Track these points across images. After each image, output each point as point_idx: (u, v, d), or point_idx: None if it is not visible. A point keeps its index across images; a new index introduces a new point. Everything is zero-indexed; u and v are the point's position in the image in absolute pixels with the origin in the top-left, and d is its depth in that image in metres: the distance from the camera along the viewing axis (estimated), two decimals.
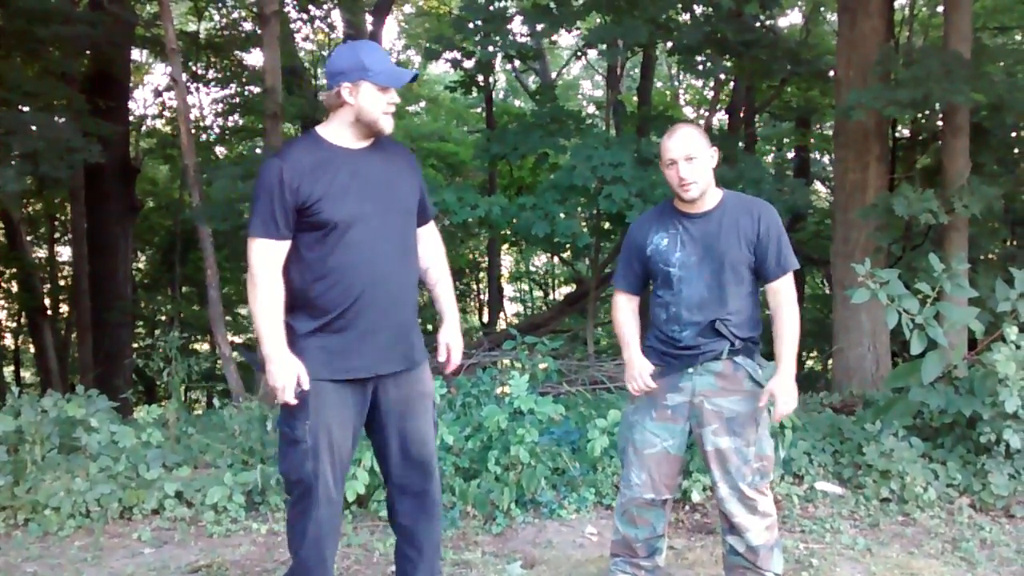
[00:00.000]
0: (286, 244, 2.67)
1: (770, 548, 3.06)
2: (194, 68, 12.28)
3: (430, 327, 10.92)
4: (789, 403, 2.90)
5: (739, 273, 2.97)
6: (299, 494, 2.73)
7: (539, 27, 9.40)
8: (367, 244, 2.68)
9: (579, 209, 9.28)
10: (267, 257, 2.65)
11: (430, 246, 2.97)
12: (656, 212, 3.17)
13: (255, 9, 10.20)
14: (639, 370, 3.04)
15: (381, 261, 2.70)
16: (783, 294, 2.99)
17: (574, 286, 17.45)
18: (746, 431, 2.97)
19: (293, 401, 2.63)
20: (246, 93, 12.32)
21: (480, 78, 11.40)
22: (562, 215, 8.23)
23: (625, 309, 3.18)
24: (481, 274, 17.60)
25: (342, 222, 2.65)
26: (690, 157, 2.93)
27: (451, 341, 2.93)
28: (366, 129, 2.73)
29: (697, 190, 2.96)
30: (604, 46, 9.54)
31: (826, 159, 16.20)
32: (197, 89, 12.71)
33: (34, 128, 8.04)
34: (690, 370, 3.00)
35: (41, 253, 16.21)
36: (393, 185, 2.77)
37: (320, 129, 2.77)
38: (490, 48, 9.18)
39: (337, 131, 2.74)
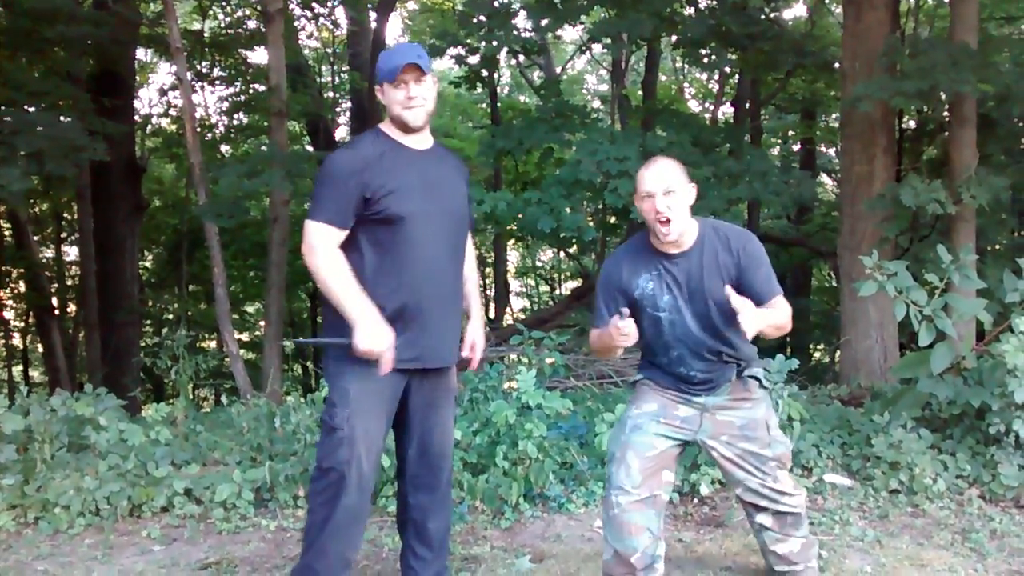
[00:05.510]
0: (343, 234, 2.70)
1: (797, 515, 3.12)
2: (199, 67, 12.31)
3: None
4: (753, 317, 2.68)
5: (725, 312, 2.82)
6: (328, 483, 2.74)
7: (543, 22, 9.38)
8: (426, 242, 2.74)
9: (585, 204, 9.26)
10: (325, 239, 2.68)
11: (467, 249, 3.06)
12: (631, 251, 2.98)
13: (259, 7, 10.20)
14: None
15: (437, 260, 2.77)
16: (775, 306, 2.85)
17: (580, 281, 17.43)
18: (759, 433, 3.01)
19: (388, 368, 2.63)
20: (251, 91, 12.35)
21: (484, 73, 11.39)
22: (568, 210, 8.21)
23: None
24: (487, 269, 17.57)
25: (408, 217, 2.70)
26: (668, 191, 2.79)
27: (476, 338, 3.04)
28: (401, 125, 2.81)
29: (675, 229, 2.80)
30: (608, 40, 9.52)
31: (832, 151, 16.20)
32: (202, 88, 12.72)
33: (39, 127, 8.03)
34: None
35: (48, 253, 16.26)
36: (450, 188, 2.85)
37: (382, 125, 2.88)
38: (494, 43, 9.16)
39: (391, 128, 2.85)
